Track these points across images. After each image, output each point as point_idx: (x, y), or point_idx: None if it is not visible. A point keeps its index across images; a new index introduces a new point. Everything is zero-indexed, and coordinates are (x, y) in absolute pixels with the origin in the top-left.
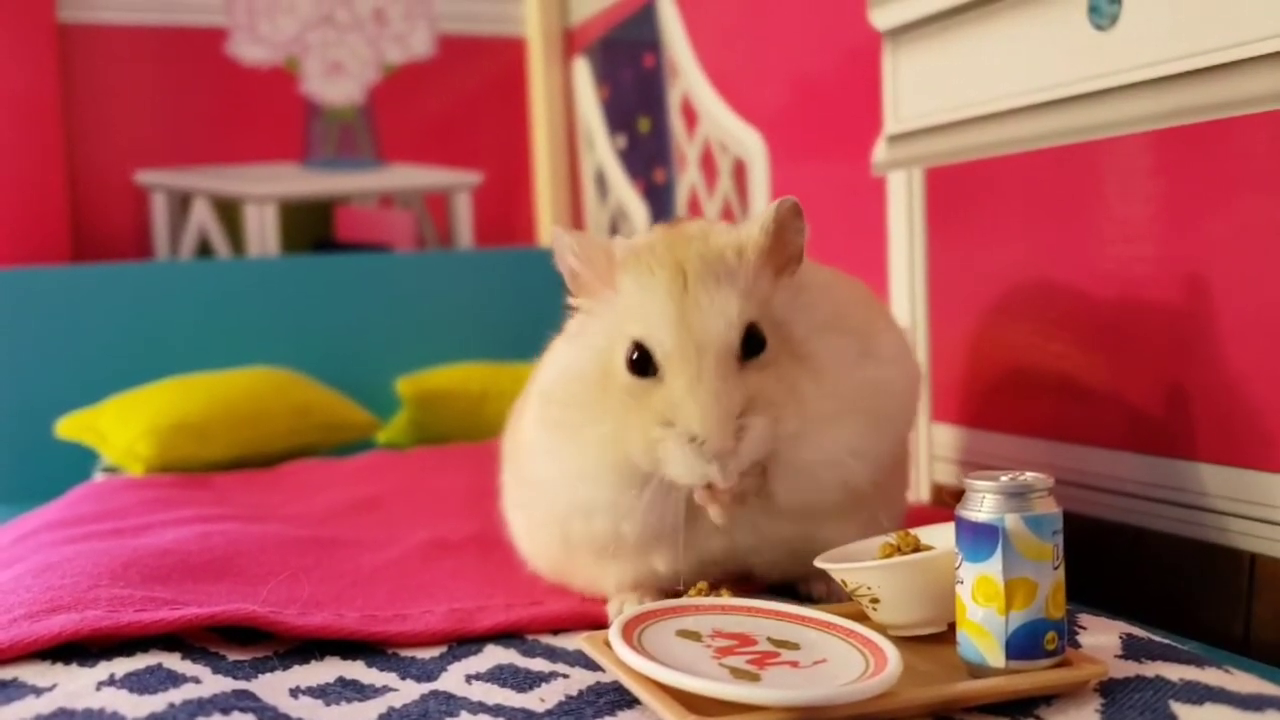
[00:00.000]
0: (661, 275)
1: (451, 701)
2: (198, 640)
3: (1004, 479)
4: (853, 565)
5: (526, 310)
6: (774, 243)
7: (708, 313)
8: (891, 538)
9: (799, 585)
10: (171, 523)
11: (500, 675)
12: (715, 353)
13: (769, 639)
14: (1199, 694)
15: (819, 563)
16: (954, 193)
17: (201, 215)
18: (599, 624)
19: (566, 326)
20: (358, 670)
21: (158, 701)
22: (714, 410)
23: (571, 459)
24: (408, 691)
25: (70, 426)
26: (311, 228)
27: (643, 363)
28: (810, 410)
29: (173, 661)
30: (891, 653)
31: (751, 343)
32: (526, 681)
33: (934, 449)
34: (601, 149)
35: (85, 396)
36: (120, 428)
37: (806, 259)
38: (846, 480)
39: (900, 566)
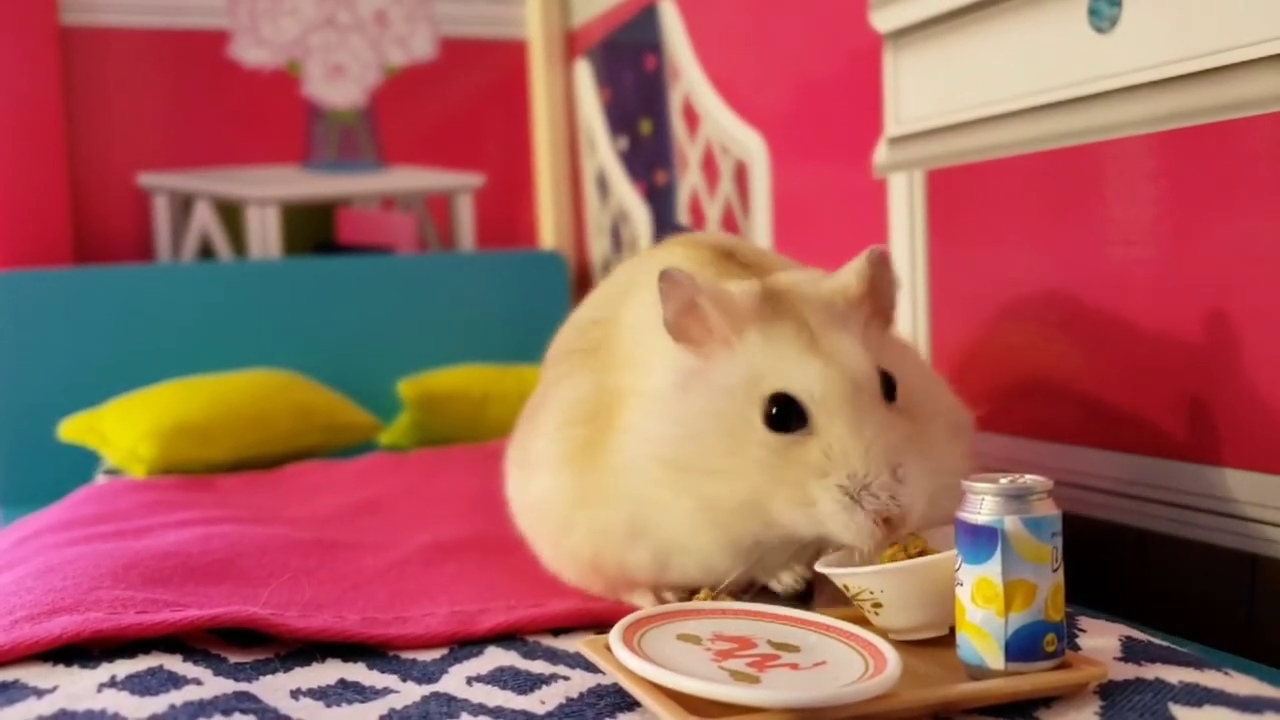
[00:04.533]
0: (788, 326)
1: (452, 703)
2: (199, 642)
3: (1003, 481)
4: (854, 570)
5: (528, 312)
6: (869, 290)
7: (850, 355)
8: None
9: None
10: (173, 525)
11: (501, 677)
12: (870, 392)
13: (769, 642)
14: (1199, 696)
15: (819, 567)
16: (955, 195)
17: (203, 217)
18: (600, 623)
19: (660, 376)
20: (359, 672)
21: (159, 703)
22: (878, 445)
23: (686, 517)
24: (409, 693)
25: (72, 428)
26: (313, 230)
27: (786, 416)
28: (937, 446)
29: (174, 663)
30: (891, 654)
31: (887, 386)
32: (527, 684)
33: None
34: (603, 151)
35: (87, 399)
36: (122, 430)
37: None
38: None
39: (902, 571)
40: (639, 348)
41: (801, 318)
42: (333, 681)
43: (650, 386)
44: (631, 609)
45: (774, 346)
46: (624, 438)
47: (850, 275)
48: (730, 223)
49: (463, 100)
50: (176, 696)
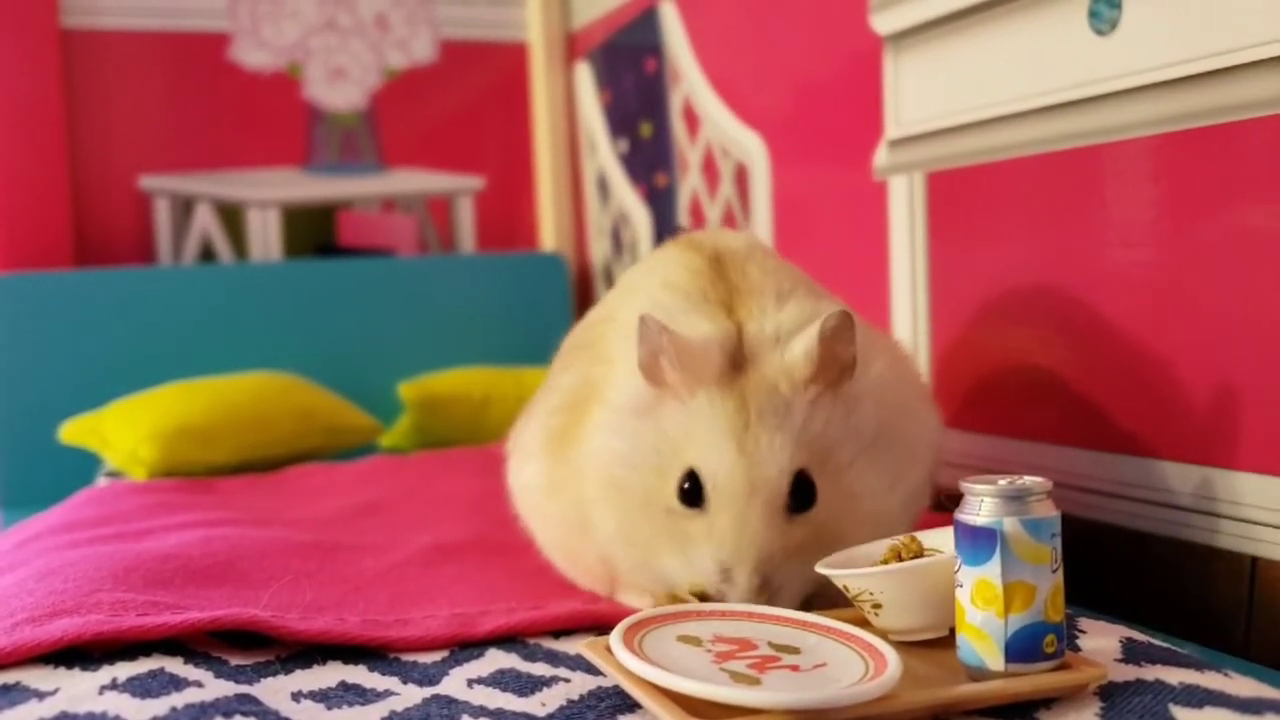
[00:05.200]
0: (732, 402)
1: (453, 706)
2: (200, 645)
3: (1002, 483)
4: (855, 571)
5: (528, 314)
6: (823, 361)
7: (767, 456)
8: (894, 540)
9: None
10: (174, 527)
11: (502, 679)
12: (765, 498)
13: (769, 643)
14: (1199, 698)
15: (820, 568)
16: (955, 197)
17: (204, 220)
18: (601, 625)
19: (629, 390)
20: (360, 674)
21: (160, 705)
22: (751, 550)
23: (612, 534)
24: (409, 696)
25: (73, 431)
26: (314, 232)
27: (693, 494)
28: (847, 543)
29: (175, 666)
30: (891, 656)
31: (802, 495)
32: (528, 686)
33: None
34: (603, 153)
35: (88, 401)
36: (123, 432)
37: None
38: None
39: (902, 572)
40: (618, 350)
41: (744, 398)
42: (334, 684)
43: (614, 395)
44: (632, 611)
45: (712, 421)
46: (587, 439)
47: (798, 354)
48: (730, 225)
49: (463, 103)
50: (178, 699)
